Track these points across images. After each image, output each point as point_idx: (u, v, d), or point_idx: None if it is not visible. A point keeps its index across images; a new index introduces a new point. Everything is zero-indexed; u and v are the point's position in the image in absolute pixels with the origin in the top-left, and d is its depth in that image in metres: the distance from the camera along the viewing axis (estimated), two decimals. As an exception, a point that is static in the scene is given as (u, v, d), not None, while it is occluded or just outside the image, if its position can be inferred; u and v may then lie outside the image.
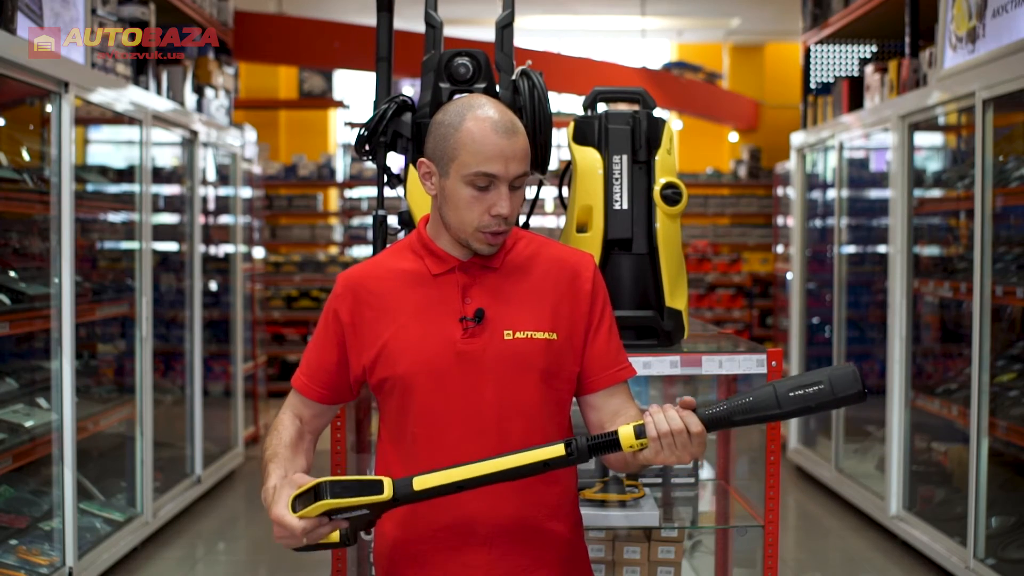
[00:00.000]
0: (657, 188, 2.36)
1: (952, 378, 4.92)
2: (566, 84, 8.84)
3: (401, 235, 2.38)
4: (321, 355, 1.85)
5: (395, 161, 2.39)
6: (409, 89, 9.36)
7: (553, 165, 7.96)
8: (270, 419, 3.85)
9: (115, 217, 5.09)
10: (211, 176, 6.31)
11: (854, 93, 5.90)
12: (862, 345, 6.03)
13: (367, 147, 2.32)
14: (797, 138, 6.83)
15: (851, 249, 6.10)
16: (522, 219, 2.42)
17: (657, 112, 2.45)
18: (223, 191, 6.55)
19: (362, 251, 9.71)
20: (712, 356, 2.34)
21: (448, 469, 1.61)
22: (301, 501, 1.57)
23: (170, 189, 5.77)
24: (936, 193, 5.26)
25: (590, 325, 1.82)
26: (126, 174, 5.09)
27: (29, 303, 3.89)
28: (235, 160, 6.49)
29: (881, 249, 5.62)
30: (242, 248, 6.66)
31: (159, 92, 5.07)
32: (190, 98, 5.52)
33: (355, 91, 10.99)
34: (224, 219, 6.54)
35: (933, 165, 5.75)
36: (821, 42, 6.64)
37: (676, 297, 2.39)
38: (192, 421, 5.61)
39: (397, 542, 1.81)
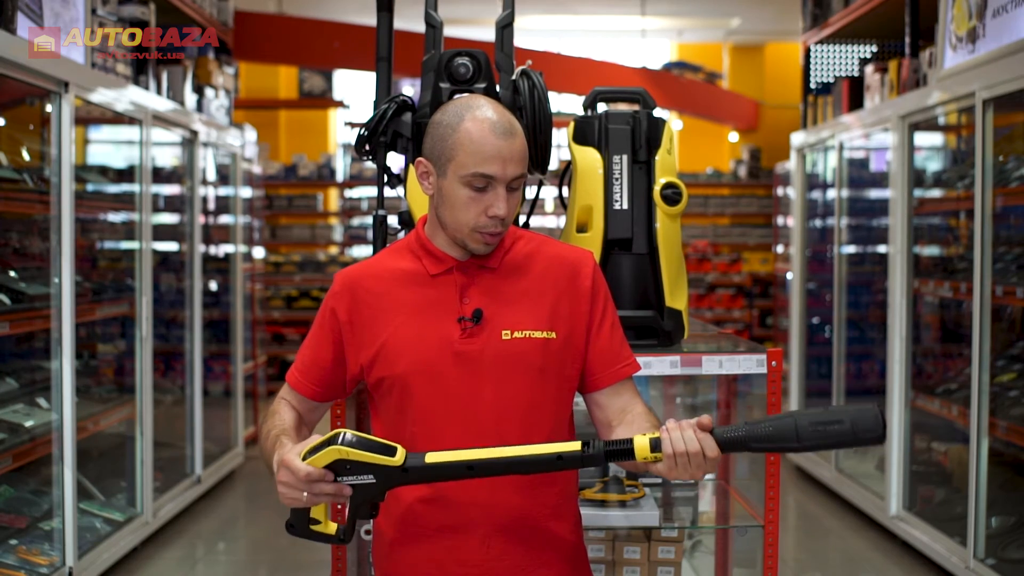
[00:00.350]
0: (657, 188, 2.36)
1: (952, 378, 4.92)
2: (566, 84, 8.85)
3: (401, 235, 2.38)
4: (316, 352, 1.85)
5: (395, 161, 2.39)
6: (409, 89, 9.36)
7: (553, 165, 7.96)
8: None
9: (115, 217, 5.09)
10: (211, 176, 6.31)
11: (854, 93, 5.90)
12: (862, 345, 6.03)
13: (367, 147, 2.32)
14: (797, 138, 6.82)
15: (851, 249, 6.10)
16: (522, 219, 2.42)
17: (657, 112, 2.45)
18: (223, 191, 6.55)
19: (362, 251, 9.71)
20: (712, 356, 2.34)
21: (460, 451, 1.60)
22: (314, 452, 1.57)
23: (170, 189, 5.77)
24: (936, 193, 5.26)
25: (591, 323, 1.82)
26: (126, 174, 5.09)
27: (29, 303, 3.89)
28: (235, 160, 6.49)
29: (881, 249, 5.62)
30: (242, 248, 6.66)
31: (159, 92, 5.07)
32: (190, 98, 5.52)
33: (355, 91, 10.99)
34: (224, 219, 6.54)
35: (933, 165, 5.75)
36: (821, 42, 6.64)
37: (676, 297, 2.39)
38: (192, 421, 5.61)
39: (395, 542, 1.81)
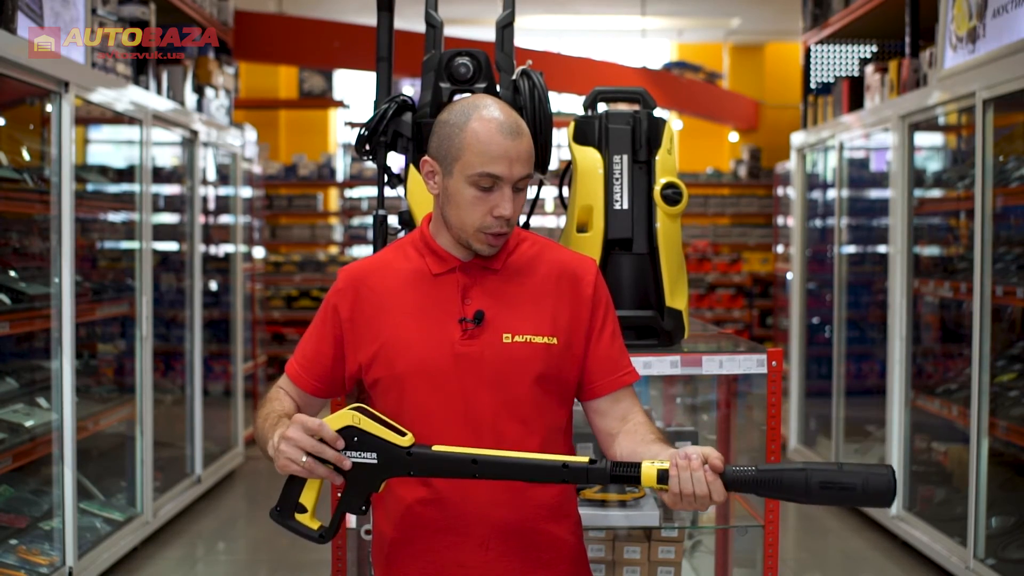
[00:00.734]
0: (657, 188, 2.36)
1: (952, 378, 4.92)
2: (566, 84, 8.84)
3: (401, 235, 2.38)
4: (318, 347, 1.85)
5: (395, 161, 2.39)
6: (409, 89, 9.36)
7: (553, 165, 7.96)
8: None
9: (115, 217, 5.09)
10: (211, 176, 6.31)
11: (854, 93, 5.90)
12: (862, 345, 6.03)
13: (367, 147, 2.32)
14: (797, 138, 6.82)
15: (851, 249, 6.10)
16: (522, 219, 2.42)
17: (657, 112, 2.45)
18: (223, 191, 6.55)
19: (362, 251, 9.71)
20: (712, 356, 2.34)
21: (467, 448, 1.62)
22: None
23: (170, 189, 5.77)
24: (936, 193, 5.26)
25: (591, 331, 1.82)
26: (126, 174, 5.09)
27: (29, 303, 3.89)
28: (235, 160, 6.49)
29: (881, 249, 5.62)
30: (242, 248, 6.66)
31: (159, 92, 5.07)
32: (190, 98, 5.52)
33: (355, 91, 10.98)
34: (224, 219, 6.54)
35: (933, 165, 5.75)
36: (821, 42, 6.64)
37: (676, 297, 2.39)
38: (192, 421, 5.61)
39: (394, 542, 1.81)
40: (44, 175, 4.01)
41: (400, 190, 2.39)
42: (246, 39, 7.43)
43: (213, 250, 6.40)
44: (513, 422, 1.75)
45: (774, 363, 2.33)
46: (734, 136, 11.19)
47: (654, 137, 2.38)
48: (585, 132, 2.40)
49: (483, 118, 1.72)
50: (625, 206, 2.35)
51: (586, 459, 1.60)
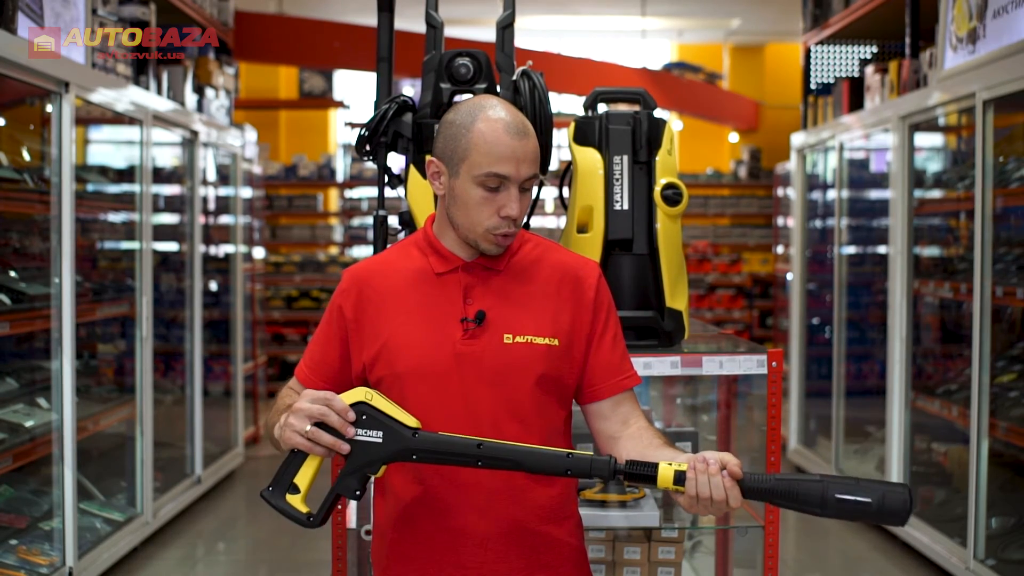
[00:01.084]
0: (658, 188, 2.36)
1: (952, 379, 4.92)
2: (566, 84, 8.85)
3: (401, 235, 2.38)
4: (325, 349, 1.85)
5: (396, 161, 2.40)
6: (409, 89, 9.36)
7: (553, 165, 7.97)
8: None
9: (115, 217, 5.09)
10: (211, 176, 6.31)
11: (854, 94, 5.90)
12: (862, 345, 6.03)
13: (368, 147, 2.32)
14: (797, 138, 6.83)
15: (851, 250, 6.10)
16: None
17: (657, 112, 2.45)
18: (223, 191, 6.55)
19: (362, 251, 9.71)
20: (712, 356, 2.34)
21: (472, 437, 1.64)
22: None
23: (170, 189, 5.77)
24: (936, 194, 5.26)
25: (592, 334, 1.82)
26: (126, 174, 5.09)
27: (29, 303, 3.89)
28: (235, 160, 6.49)
29: (881, 250, 5.62)
30: (242, 248, 6.67)
31: (159, 92, 5.07)
32: (190, 98, 5.52)
33: (355, 91, 10.98)
34: (224, 219, 6.54)
35: (933, 166, 5.75)
36: (821, 42, 6.64)
37: (676, 297, 2.39)
38: (192, 421, 5.61)
39: (394, 542, 1.81)
40: (44, 175, 4.01)
41: (400, 190, 2.39)
42: (246, 39, 7.43)
43: (213, 250, 6.40)
44: (513, 422, 1.75)
45: (774, 364, 2.33)
46: (734, 137, 11.19)
47: (654, 138, 2.38)
48: (585, 133, 2.40)
49: (489, 118, 1.72)
50: (625, 207, 2.35)
51: (590, 454, 1.60)
